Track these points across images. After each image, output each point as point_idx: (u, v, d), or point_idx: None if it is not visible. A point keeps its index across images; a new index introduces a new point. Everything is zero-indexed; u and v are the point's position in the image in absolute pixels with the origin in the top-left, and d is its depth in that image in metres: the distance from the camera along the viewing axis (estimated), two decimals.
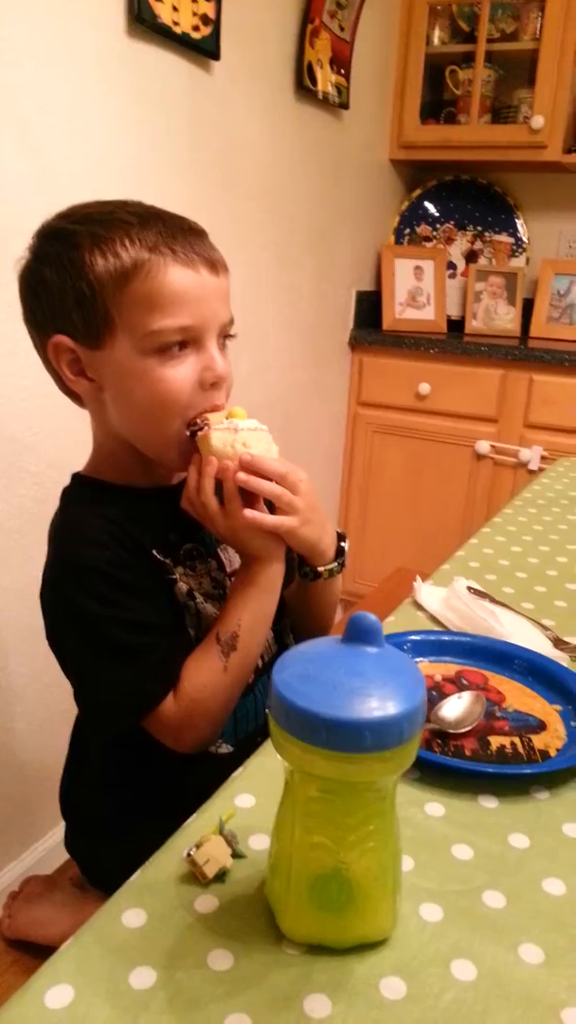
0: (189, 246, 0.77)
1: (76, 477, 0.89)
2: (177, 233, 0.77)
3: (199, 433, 0.78)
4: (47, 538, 0.84)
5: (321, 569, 0.87)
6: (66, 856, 1.02)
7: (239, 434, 0.78)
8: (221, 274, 0.80)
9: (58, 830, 1.59)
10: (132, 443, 0.82)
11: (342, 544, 0.90)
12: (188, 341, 0.77)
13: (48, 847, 1.57)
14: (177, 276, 0.75)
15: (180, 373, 0.77)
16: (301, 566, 0.89)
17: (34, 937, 1.02)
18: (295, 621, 0.98)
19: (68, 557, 0.80)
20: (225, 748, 0.88)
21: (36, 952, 0.99)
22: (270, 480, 0.78)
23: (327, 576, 0.88)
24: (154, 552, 0.82)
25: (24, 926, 1.03)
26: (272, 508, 0.80)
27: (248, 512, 0.77)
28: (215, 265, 0.79)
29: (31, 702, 1.48)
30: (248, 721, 0.90)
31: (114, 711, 0.81)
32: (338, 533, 0.90)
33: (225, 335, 0.81)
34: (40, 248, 0.79)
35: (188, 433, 0.79)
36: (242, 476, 0.76)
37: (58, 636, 0.82)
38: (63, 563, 0.80)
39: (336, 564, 0.89)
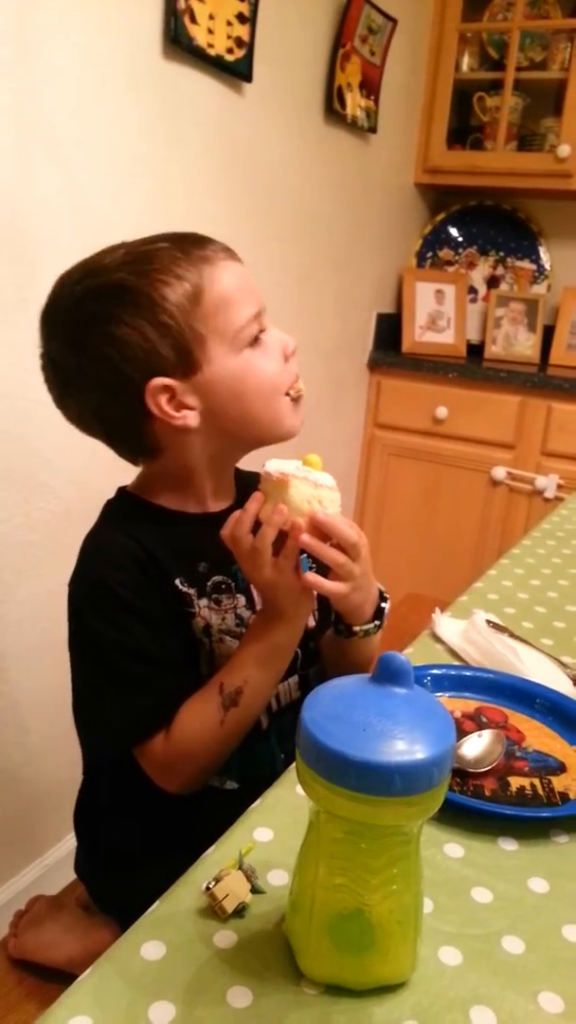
0: (210, 246, 0.80)
1: (120, 491, 0.89)
2: (197, 241, 0.80)
3: (274, 476, 0.73)
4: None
5: (356, 629, 0.85)
6: (72, 874, 1.02)
7: (319, 491, 0.74)
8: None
9: (62, 845, 1.59)
10: (242, 443, 0.85)
11: (383, 605, 0.87)
12: (260, 325, 0.81)
13: (51, 863, 1.57)
14: (229, 273, 0.79)
15: (273, 353, 0.82)
16: (337, 623, 0.86)
17: (39, 959, 1.01)
18: (327, 670, 0.95)
19: (87, 572, 0.81)
20: (231, 784, 0.87)
21: (41, 973, 0.99)
22: (334, 542, 0.75)
23: (361, 636, 0.85)
24: (177, 582, 0.82)
25: (30, 947, 1.03)
26: (323, 569, 0.78)
27: (309, 576, 0.76)
28: (233, 253, 0.82)
29: (41, 717, 1.48)
30: (261, 764, 0.88)
31: (99, 736, 0.81)
32: (380, 592, 0.87)
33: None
34: (101, 312, 0.76)
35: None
36: (306, 539, 0.73)
37: (69, 645, 0.83)
38: (81, 577, 0.81)
39: (373, 625, 0.86)
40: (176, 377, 0.77)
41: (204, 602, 0.84)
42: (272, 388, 0.82)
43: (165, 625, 0.80)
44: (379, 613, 0.86)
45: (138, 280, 0.75)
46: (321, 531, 0.74)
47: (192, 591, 0.83)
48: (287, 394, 0.83)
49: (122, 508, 0.87)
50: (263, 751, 0.89)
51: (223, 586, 0.85)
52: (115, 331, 0.75)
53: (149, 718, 0.78)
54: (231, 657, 0.81)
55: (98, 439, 0.84)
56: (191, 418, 0.78)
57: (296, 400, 0.84)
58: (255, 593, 0.88)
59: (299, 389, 0.84)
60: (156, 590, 0.80)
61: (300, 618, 0.80)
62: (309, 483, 0.73)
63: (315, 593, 0.80)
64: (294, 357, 0.85)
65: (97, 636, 0.78)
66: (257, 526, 0.74)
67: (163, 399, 0.77)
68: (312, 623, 0.92)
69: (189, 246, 0.78)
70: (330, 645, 0.93)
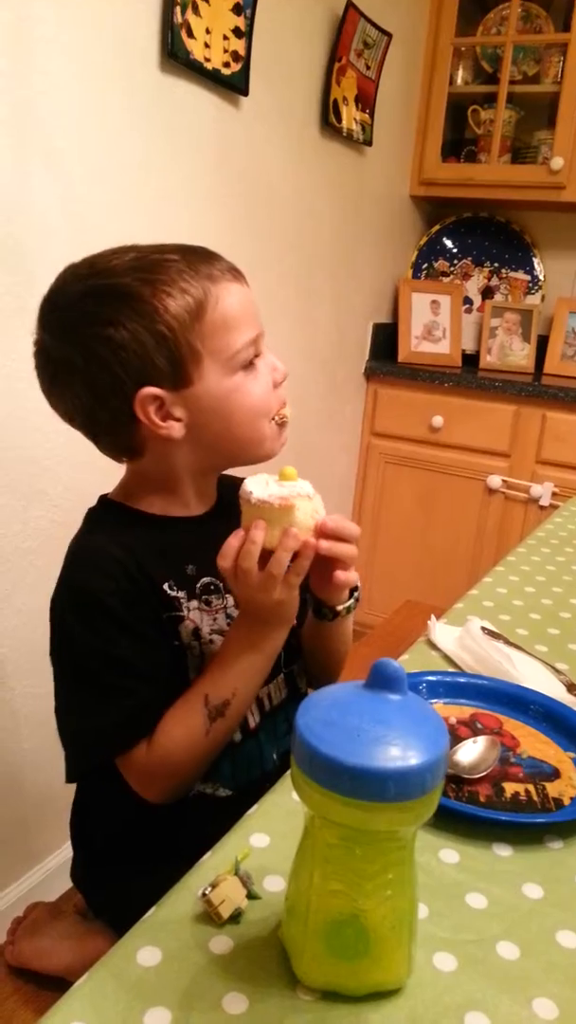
0: (224, 265, 0.81)
1: (102, 499, 0.89)
2: (206, 258, 0.80)
3: (276, 504, 0.72)
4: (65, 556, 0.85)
5: (339, 608, 0.87)
6: (69, 881, 1.02)
7: (313, 502, 0.75)
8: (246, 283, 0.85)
9: (60, 852, 1.59)
10: (224, 460, 0.86)
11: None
12: (256, 350, 0.82)
13: (49, 870, 1.57)
14: (234, 295, 0.79)
15: (263, 380, 0.83)
16: (319, 607, 0.88)
17: (36, 966, 1.01)
18: (308, 660, 0.96)
19: (73, 580, 0.80)
20: (223, 791, 0.86)
21: (38, 981, 0.98)
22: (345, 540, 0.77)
23: (345, 614, 0.88)
24: (165, 587, 0.81)
25: (27, 955, 1.03)
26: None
27: (340, 575, 0.80)
28: (240, 273, 0.83)
29: (38, 724, 1.48)
30: (252, 767, 0.88)
31: (79, 746, 0.80)
32: None
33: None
34: (99, 314, 0.75)
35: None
36: (325, 544, 0.74)
37: (52, 654, 0.82)
38: (67, 584, 0.80)
39: (352, 600, 0.88)
40: (166, 388, 0.77)
41: (194, 604, 0.84)
42: (258, 412, 0.82)
43: (150, 635, 0.80)
44: (353, 588, 0.88)
45: (143, 287, 0.75)
46: (338, 536, 0.76)
47: (181, 594, 0.83)
48: (273, 419, 0.84)
49: (106, 514, 0.87)
50: (254, 753, 0.89)
51: (212, 587, 0.85)
52: (113, 334, 0.74)
53: (131, 728, 0.77)
54: (216, 663, 0.80)
55: (81, 433, 0.85)
56: (176, 429, 0.79)
57: (281, 425, 0.86)
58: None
59: (284, 416, 0.86)
60: (143, 597, 0.79)
61: (287, 622, 0.80)
62: (303, 498, 0.73)
63: None
64: (284, 383, 0.86)
65: (80, 644, 0.78)
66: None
67: (151, 408, 0.77)
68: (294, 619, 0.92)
69: (198, 262, 0.78)
70: (310, 633, 0.94)
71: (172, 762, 0.78)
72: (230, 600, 0.86)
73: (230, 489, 0.90)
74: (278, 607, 0.76)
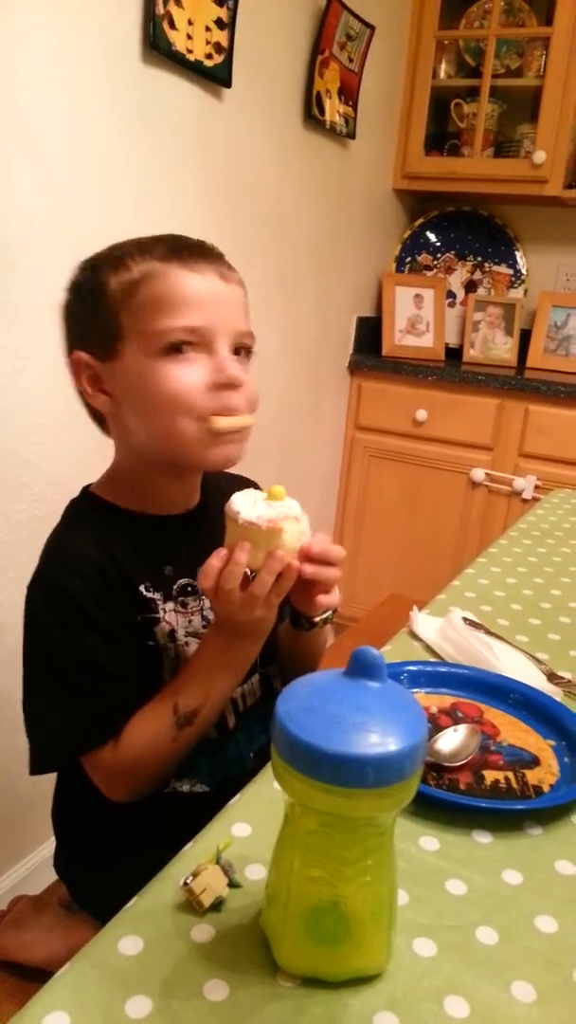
0: (200, 257, 0.80)
1: (84, 491, 0.88)
2: (186, 247, 0.80)
3: (264, 527, 0.70)
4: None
5: (317, 619, 0.85)
6: (55, 875, 1.02)
7: (301, 524, 0.73)
8: (234, 285, 0.81)
9: (46, 847, 1.59)
10: (156, 456, 0.82)
11: None
12: (197, 343, 0.77)
13: (34, 864, 1.57)
14: (184, 280, 0.78)
15: (189, 372, 0.77)
16: (297, 618, 0.86)
17: (21, 958, 1.01)
18: (282, 664, 0.96)
19: (47, 577, 0.80)
20: (200, 787, 0.86)
21: (22, 974, 0.98)
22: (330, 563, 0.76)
23: (322, 625, 0.86)
24: (141, 588, 0.81)
25: (11, 947, 1.02)
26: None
27: (322, 599, 0.79)
28: (227, 276, 0.81)
29: (22, 719, 1.47)
30: (230, 765, 0.88)
31: (44, 744, 0.80)
32: None
33: (242, 346, 0.81)
34: (72, 279, 0.84)
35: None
36: (309, 569, 0.73)
37: (24, 648, 0.81)
38: (41, 581, 0.80)
39: (329, 613, 0.86)
40: (96, 357, 0.80)
41: (170, 606, 0.83)
42: (174, 404, 0.77)
43: (122, 638, 0.79)
44: None
45: (105, 261, 0.80)
46: (324, 560, 0.75)
47: (157, 595, 0.82)
48: (202, 421, 0.77)
49: (87, 509, 0.86)
50: (232, 753, 0.88)
51: (189, 588, 0.84)
52: (71, 301, 0.83)
53: (96, 730, 0.77)
54: (188, 671, 0.79)
55: None
56: (103, 402, 0.81)
57: (217, 435, 0.78)
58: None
59: (219, 426, 0.77)
60: (117, 599, 0.79)
61: (262, 637, 0.79)
62: (291, 519, 0.72)
63: None
64: (235, 394, 0.78)
65: (51, 642, 0.77)
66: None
67: (84, 374, 0.81)
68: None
69: (179, 248, 0.79)
70: (286, 641, 0.93)
71: (137, 765, 0.78)
72: (206, 602, 0.86)
73: (215, 492, 0.90)
74: (257, 623, 0.76)
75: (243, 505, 0.71)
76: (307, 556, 0.73)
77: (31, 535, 1.43)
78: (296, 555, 0.72)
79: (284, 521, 0.71)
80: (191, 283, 0.77)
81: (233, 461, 0.81)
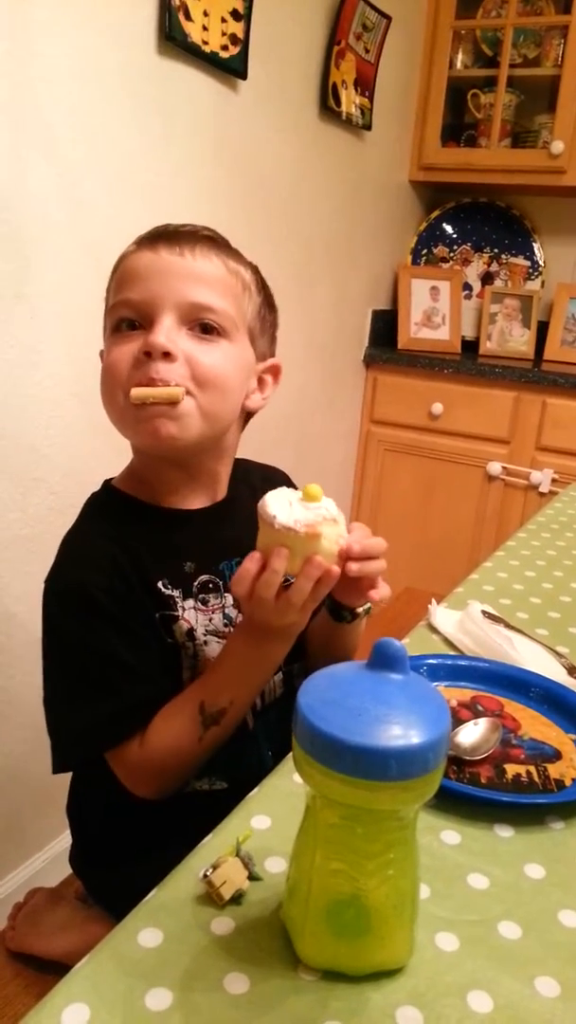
0: (170, 240, 0.79)
1: (105, 485, 0.88)
2: (167, 232, 0.80)
3: (301, 532, 0.66)
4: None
5: (359, 610, 0.84)
6: (69, 868, 1.02)
7: (339, 524, 0.69)
8: (192, 255, 0.78)
9: (62, 839, 1.59)
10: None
11: None
12: (140, 319, 0.77)
13: (51, 856, 1.57)
14: (135, 258, 0.79)
15: (124, 348, 0.76)
16: (339, 610, 0.84)
17: (37, 951, 1.01)
18: (314, 662, 0.93)
19: (62, 572, 0.79)
20: (219, 785, 0.85)
21: (38, 966, 0.99)
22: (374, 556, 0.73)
23: (363, 615, 0.85)
24: (160, 585, 0.79)
25: (27, 940, 1.03)
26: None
27: (374, 594, 0.75)
28: (186, 250, 0.78)
29: (38, 712, 1.47)
30: (249, 764, 0.86)
31: (65, 741, 0.79)
32: None
33: (199, 320, 0.77)
34: None
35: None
36: (355, 567, 0.70)
37: (43, 645, 0.81)
38: (56, 577, 0.79)
39: (371, 603, 0.83)
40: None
41: (190, 603, 0.81)
42: (109, 380, 0.77)
43: (142, 633, 0.78)
44: None
45: None
46: (369, 556, 0.72)
47: (176, 592, 0.81)
48: (128, 396, 0.75)
49: (105, 503, 0.85)
50: (250, 751, 0.87)
51: (210, 585, 0.83)
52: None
53: (117, 727, 0.76)
54: (215, 670, 0.78)
55: None
56: None
57: (139, 407, 0.75)
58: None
59: (131, 393, 0.74)
60: (134, 595, 0.77)
61: (293, 636, 0.77)
62: (329, 522, 0.68)
63: None
64: (160, 363, 0.75)
65: (69, 638, 0.77)
66: None
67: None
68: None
69: (159, 232, 0.81)
70: (322, 632, 0.90)
71: (163, 763, 0.77)
72: (228, 599, 0.84)
73: (244, 485, 0.89)
74: (290, 627, 0.74)
75: (278, 508, 0.66)
76: (349, 557, 0.70)
77: (48, 529, 1.43)
78: (335, 559, 0.68)
79: (322, 525, 0.67)
80: (140, 260, 0.78)
81: (161, 438, 0.76)
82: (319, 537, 0.67)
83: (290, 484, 0.87)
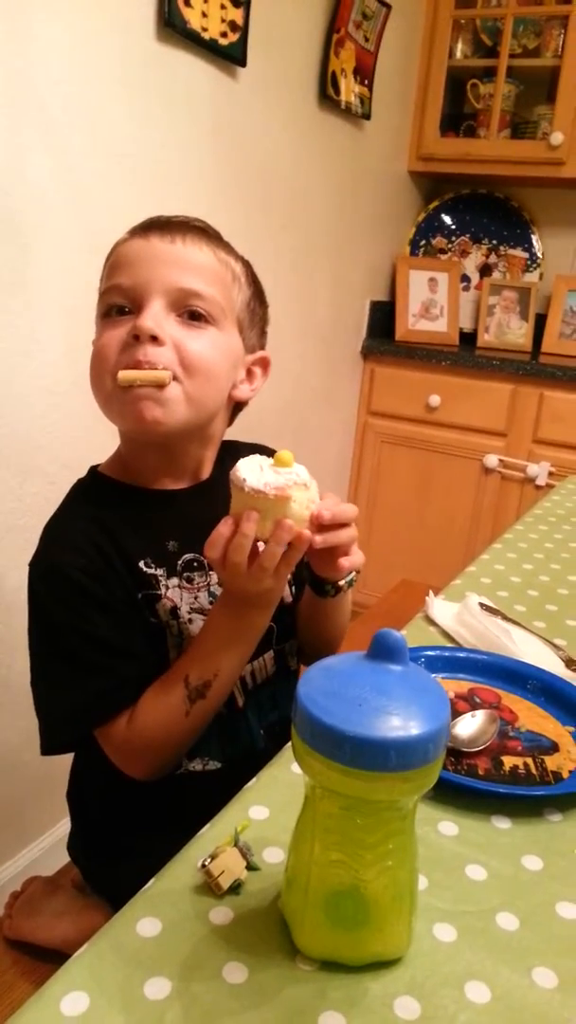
0: (162, 229, 0.80)
1: (91, 470, 0.89)
2: (159, 221, 0.81)
3: (271, 495, 0.66)
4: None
5: (342, 583, 0.84)
6: (66, 857, 1.02)
7: (310, 491, 0.69)
8: (182, 243, 0.79)
9: (59, 827, 1.60)
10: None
11: None
12: (130, 305, 0.78)
13: (48, 845, 1.57)
14: (127, 246, 0.80)
15: (113, 333, 0.77)
16: (321, 584, 0.84)
17: (34, 939, 1.01)
18: (305, 638, 0.94)
19: (46, 555, 0.80)
20: (213, 765, 0.86)
21: (36, 954, 0.99)
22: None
23: (346, 588, 0.85)
24: (142, 564, 0.80)
25: (25, 928, 1.03)
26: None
27: (344, 561, 0.76)
28: (177, 238, 0.79)
29: None
30: (239, 742, 0.87)
31: (53, 721, 0.80)
32: None
33: (188, 307, 0.78)
34: None
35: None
36: (320, 539, 0.69)
37: (29, 628, 0.81)
38: (40, 560, 0.80)
39: (355, 574, 0.84)
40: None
41: (174, 582, 0.82)
42: (97, 364, 0.78)
43: (124, 612, 0.78)
44: None
45: None
46: (338, 523, 0.71)
47: (160, 571, 0.81)
48: (115, 379, 0.76)
49: (88, 487, 0.86)
50: (242, 729, 0.88)
51: (195, 564, 0.83)
52: None
53: (104, 705, 0.76)
54: (198, 644, 0.78)
55: None
56: None
57: (126, 390, 0.75)
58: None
59: (122, 375, 0.75)
60: (115, 575, 0.78)
61: (273, 604, 0.78)
62: (300, 487, 0.68)
63: None
64: (147, 346, 0.75)
65: (52, 620, 0.77)
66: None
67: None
68: (289, 598, 0.91)
69: (152, 222, 0.81)
70: (308, 609, 0.91)
71: (151, 740, 0.77)
72: (213, 577, 0.84)
73: (228, 462, 0.89)
74: (266, 594, 0.74)
75: (249, 472, 0.68)
76: (319, 524, 0.69)
77: (45, 519, 1.42)
78: (306, 523, 0.69)
79: (292, 488, 0.67)
80: (130, 248, 0.80)
81: (146, 422, 0.76)
82: (289, 500, 0.67)
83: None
